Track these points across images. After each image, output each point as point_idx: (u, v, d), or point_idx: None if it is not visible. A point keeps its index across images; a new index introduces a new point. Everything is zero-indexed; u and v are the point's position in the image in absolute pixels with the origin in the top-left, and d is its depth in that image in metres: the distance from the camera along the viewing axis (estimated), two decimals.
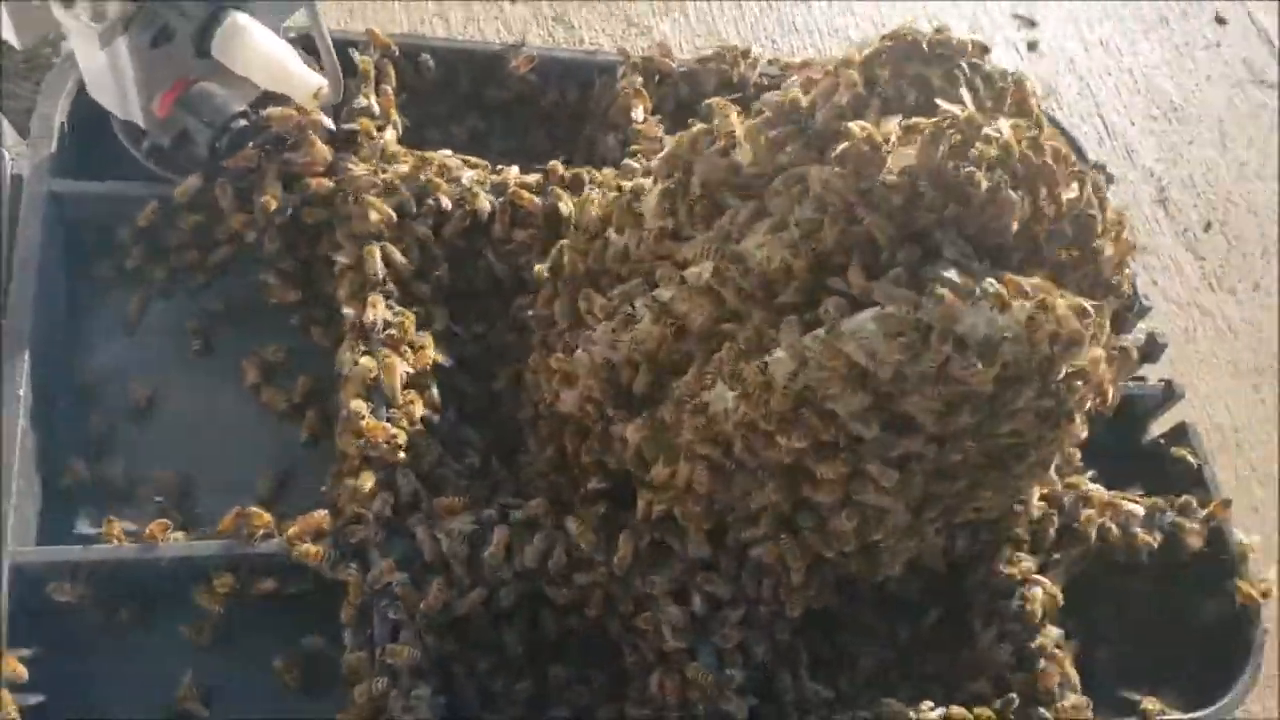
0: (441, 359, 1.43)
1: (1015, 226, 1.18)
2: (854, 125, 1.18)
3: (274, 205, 1.44)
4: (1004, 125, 1.18)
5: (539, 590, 1.33)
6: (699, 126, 1.28)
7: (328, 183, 1.48)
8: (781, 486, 1.22)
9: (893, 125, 1.17)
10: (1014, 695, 1.38)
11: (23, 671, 1.16)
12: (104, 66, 1.22)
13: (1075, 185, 1.22)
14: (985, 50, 1.30)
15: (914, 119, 1.18)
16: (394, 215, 1.46)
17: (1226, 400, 2.12)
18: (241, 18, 1.19)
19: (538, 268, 1.48)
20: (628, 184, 1.33)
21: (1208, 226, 2.36)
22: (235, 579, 1.28)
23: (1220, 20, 2.74)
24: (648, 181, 1.30)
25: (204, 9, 1.17)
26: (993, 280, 1.11)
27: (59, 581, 1.24)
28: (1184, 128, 2.52)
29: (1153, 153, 2.45)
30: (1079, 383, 1.19)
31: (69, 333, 1.45)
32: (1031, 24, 2.60)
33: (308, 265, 1.54)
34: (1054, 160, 1.20)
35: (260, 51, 1.20)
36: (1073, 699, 1.40)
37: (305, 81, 1.23)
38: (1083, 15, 2.65)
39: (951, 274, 1.11)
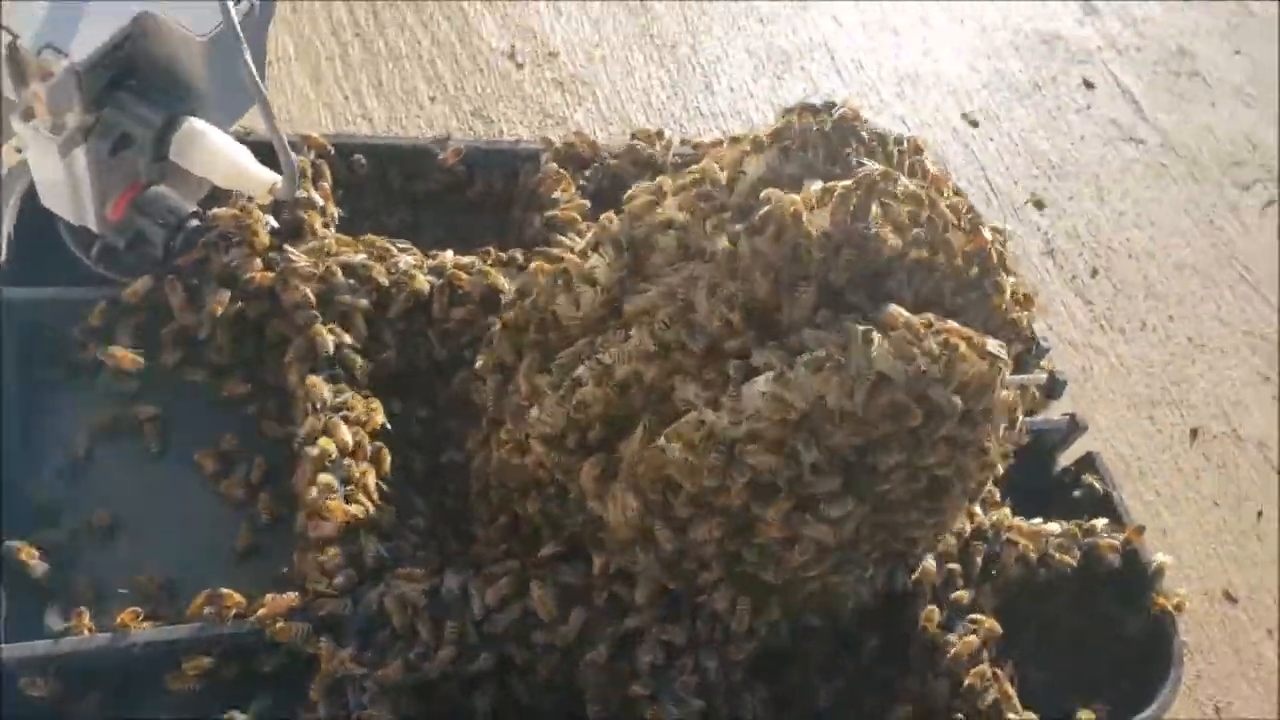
0: (388, 425, 1.50)
1: (922, 276, 1.30)
2: (775, 193, 1.29)
3: (219, 310, 1.50)
4: (908, 183, 1.30)
5: (507, 655, 1.37)
6: (641, 200, 1.37)
7: (270, 275, 1.54)
8: (730, 528, 1.30)
9: (811, 191, 1.28)
10: (960, 716, 1.46)
11: None
12: (60, 176, 1.28)
13: (974, 234, 1.33)
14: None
15: (830, 183, 1.28)
16: (313, 299, 1.52)
17: (1126, 432, 2.26)
18: (198, 123, 1.26)
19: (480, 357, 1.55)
20: (571, 256, 1.41)
21: (1094, 273, 2.53)
22: (209, 660, 1.30)
23: (1088, 84, 2.96)
24: (593, 256, 1.38)
25: (161, 116, 1.24)
26: (912, 322, 1.22)
27: (31, 677, 1.25)
28: (1064, 184, 2.71)
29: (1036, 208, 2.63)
30: (989, 419, 1.30)
31: (25, 435, 1.48)
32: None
33: (257, 359, 1.58)
34: (953, 213, 1.32)
35: (217, 153, 1.27)
36: (1026, 715, 1.48)
37: (260, 178, 1.30)
38: (961, 87, 2.84)
39: (879, 317, 1.21)
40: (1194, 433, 2.30)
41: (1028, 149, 2.75)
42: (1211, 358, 2.45)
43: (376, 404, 1.49)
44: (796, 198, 1.27)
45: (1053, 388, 1.81)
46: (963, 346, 1.21)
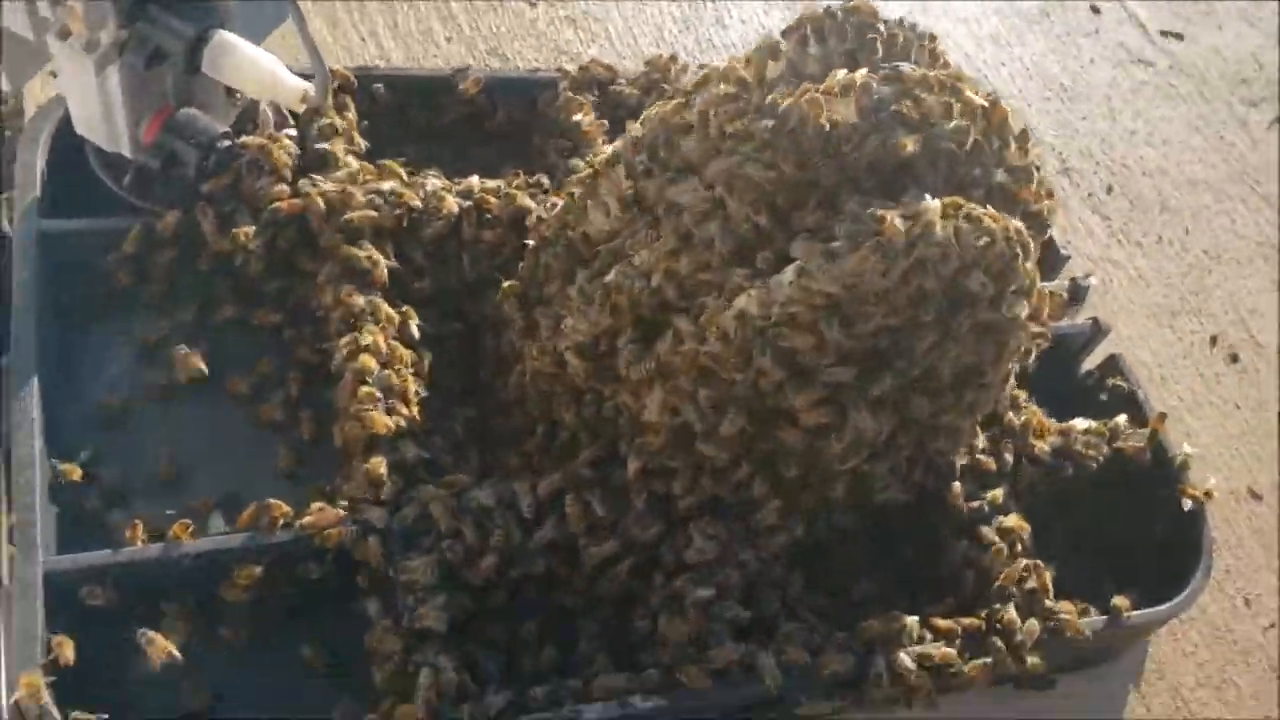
0: (427, 328, 1.53)
1: (949, 166, 1.31)
2: (789, 91, 1.30)
3: (247, 238, 1.52)
4: (931, 74, 1.31)
5: (550, 566, 1.39)
6: (667, 105, 1.38)
7: (298, 203, 1.55)
8: (756, 418, 1.32)
9: (835, 81, 1.29)
10: (999, 607, 1.46)
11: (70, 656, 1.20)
12: (94, 97, 1.29)
13: (994, 108, 1.34)
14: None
15: (854, 74, 1.29)
16: (343, 222, 1.53)
17: (1148, 341, 2.29)
18: (228, 35, 1.28)
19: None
20: (600, 165, 1.42)
21: (1109, 190, 2.55)
22: (259, 570, 1.32)
23: (1095, 9, 2.96)
24: (619, 165, 1.40)
25: (192, 29, 1.26)
26: (937, 204, 1.23)
27: (90, 586, 1.28)
28: (1075, 105, 2.72)
29: (1050, 129, 2.64)
30: (1015, 301, 1.31)
31: (65, 367, 1.50)
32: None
33: (287, 288, 1.60)
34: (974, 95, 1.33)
35: (249, 62, 1.28)
36: (1062, 604, 1.49)
37: (293, 86, 1.31)
38: (971, 15, 2.84)
39: (908, 203, 1.23)
40: (1214, 340, 2.32)
41: (1040, 73, 2.76)
42: (1227, 269, 2.47)
43: (410, 311, 1.51)
44: (818, 92, 1.28)
45: (1076, 292, 1.83)
46: (988, 221, 1.23)
